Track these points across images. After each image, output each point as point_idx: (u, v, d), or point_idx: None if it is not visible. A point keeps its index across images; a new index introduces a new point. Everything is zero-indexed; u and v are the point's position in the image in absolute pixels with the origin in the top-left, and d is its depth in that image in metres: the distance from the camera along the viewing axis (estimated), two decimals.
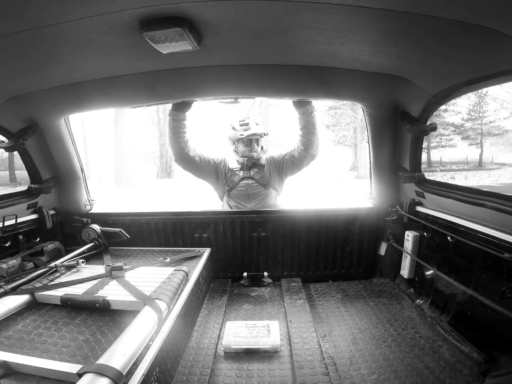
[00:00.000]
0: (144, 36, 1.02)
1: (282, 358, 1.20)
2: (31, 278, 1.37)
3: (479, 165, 17.35)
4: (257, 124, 2.27)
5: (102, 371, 0.77)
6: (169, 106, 2.10)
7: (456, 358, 1.15)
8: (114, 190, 18.08)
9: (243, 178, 2.29)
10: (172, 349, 1.08)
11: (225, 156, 2.39)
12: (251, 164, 2.28)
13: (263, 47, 1.28)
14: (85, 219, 2.04)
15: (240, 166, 2.30)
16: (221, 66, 1.45)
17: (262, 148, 2.33)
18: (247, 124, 2.23)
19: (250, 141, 2.23)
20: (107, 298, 1.18)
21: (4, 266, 1.46)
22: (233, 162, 2.34)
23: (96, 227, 1.90)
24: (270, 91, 1.80)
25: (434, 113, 1.59)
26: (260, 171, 2.30)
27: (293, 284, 1.82)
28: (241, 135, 2.21)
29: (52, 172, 1.97)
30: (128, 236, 1.86)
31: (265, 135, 2.26)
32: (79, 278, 1.36)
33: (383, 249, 1.99)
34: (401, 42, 1.15)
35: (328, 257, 2.09)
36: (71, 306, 1.20)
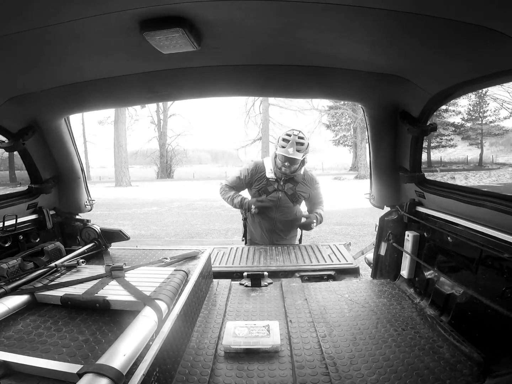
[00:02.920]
0: (144, 36, 1.02)
1: (282, 358, 1.20)
2: (31, 278, 1.37)
3: (479, 165, 17.34)
4: (302, 144, 2.19)
5: (102, 371, 0.77)
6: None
7: (456, 358, 1.15)
8: (114, 190, 18.07)
9: (276, 190, 2.35)
10: (172, 349, 1.08)
11: (261, 162, 2.43)
12: (287, 178, 2.33)
13: (263, 47, 1.28)
14: (85, 219, 2.05)
15: (275, 178, 2.35)
16: (221, 66, 1.45)
17: (303, 162, 2.32)
18: (287, 141, 2.17)
19: (285, 159, 2.19)
20: (107, 298, 1.18)
21: (4, 266, 1.46)
22: (269, 171, 2.36)
23: (96, 227, 1.90)
24: (270, 91, 1.80)
25: (434, 113, 1.59)
26: (293, 187, 2.36)
27: (293, 284, 1.82)
28: (277, 152, 2.21)
29: (52, 172, 1.97)
30: (129, 236, 1.86)
31: (300, 160, 2.22)
32: (79, 278, 1.36)
33: (383, 249, 1.99)
34: (401, 42, 1.15)
35: (329, 257, 2.10)
36: (71, 306, 1.20)
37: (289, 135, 2.21)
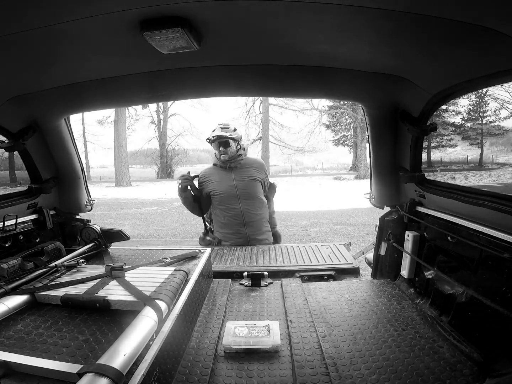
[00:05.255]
0: (144, 36, 1.02)
1: (282, 358, 1.20)
2: (31, 278, 1.37)
3: (479, 165, 17.34)
4: (227, 128, 2.41)
5: (102, 371, 0.77)
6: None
7: (456, 358, 1.15)
8: (114, 190, 18.08)
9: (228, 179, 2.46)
10: (172, 349, 1.08)
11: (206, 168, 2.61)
12: (231, 165, 2.45)
13: (263, 47, 1.28)
14: (85, 219, 2.05)
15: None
16: (221, 66, 1.45)
17: (241, 148, 2.49)
18: (214, 130, 2.42)
19: (218, 145, 2.39)
20: (107, 298, 1.18)
21: (5, 266, 1.46)
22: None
23: (96, 227, 1.90)
24: (270, 91, 1.81)
25: (434, 113, 1.59)
26: (242, 172, 2.48)
27: (293, 284, 1.82)
28: (207, 138, 2.44)
29: (52, 172, 1.97)
30: (129, 236, 1.87)
31: (230, 137, 2.38)
32: (79, 278, 1.36)
33: (383, 249, 1.99)
34: (401, 42, 1.15)
35: (329, 257, 2.10)
36: (71, 306, 1.20)
37: (215, 126, 2.46)
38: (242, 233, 2.46)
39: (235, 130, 2.43)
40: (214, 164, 2.53)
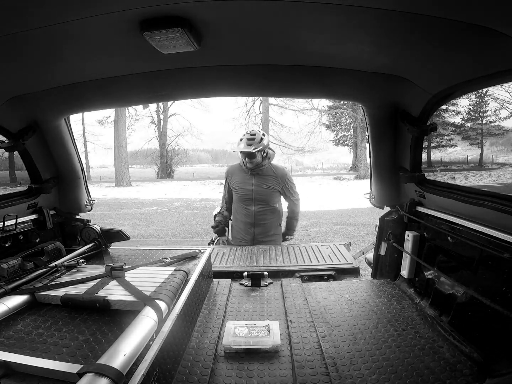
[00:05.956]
0: (144, 36, 1.03)
1: (282, 358, 1.20)
2: (31, 278, 1.37)
3: (479, 165, 17.33)
4: (253, 140, 2.41)
5: (102, 371, 0.77)
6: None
7: (456, 358, 1.15)
8: (114, 190, 18.07)
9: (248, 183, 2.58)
10: (172, 349, 1.08)
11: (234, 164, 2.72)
12: (254, 172, 2.54)
13: (263, 47, 1.28)
14: (85, 219, 2.05)
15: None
16: (221, 66, 1.45)
17: (266, 156, 2.55)
18: (241, 140, 2.47)
19: (244, 155, 2.48)
20: (107, 298, 1.18)
21: (5, 266, 1.46)
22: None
23: (96, 227, 1.91)
24: (270, 91, 1.81)
25: (434, 113, 1.59)
26: (261, 180, 2.57)
27: (293, 284, 1.82)
28: (233, 150, 2.58)
29: (52, 172, 1.97)
30: (129, 236, 1.87)
31: (254, 152, 2.40)
32: (79, 278, 1.36)
33: (383, 249, 1.99)
34: (401, 42, 1.15)
35: (329, 257, 2.10)
36: (71, 306, 1.20)
37: (243, 135, 2.50)
38: (250, 231, 2.59)
39: (261, 139, 2.43)
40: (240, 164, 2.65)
